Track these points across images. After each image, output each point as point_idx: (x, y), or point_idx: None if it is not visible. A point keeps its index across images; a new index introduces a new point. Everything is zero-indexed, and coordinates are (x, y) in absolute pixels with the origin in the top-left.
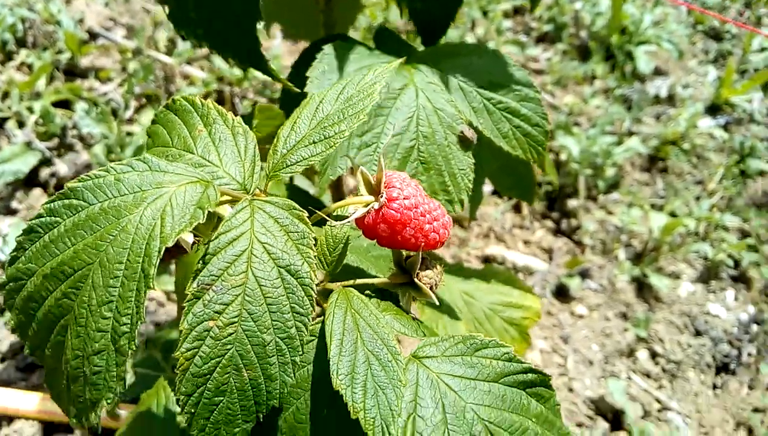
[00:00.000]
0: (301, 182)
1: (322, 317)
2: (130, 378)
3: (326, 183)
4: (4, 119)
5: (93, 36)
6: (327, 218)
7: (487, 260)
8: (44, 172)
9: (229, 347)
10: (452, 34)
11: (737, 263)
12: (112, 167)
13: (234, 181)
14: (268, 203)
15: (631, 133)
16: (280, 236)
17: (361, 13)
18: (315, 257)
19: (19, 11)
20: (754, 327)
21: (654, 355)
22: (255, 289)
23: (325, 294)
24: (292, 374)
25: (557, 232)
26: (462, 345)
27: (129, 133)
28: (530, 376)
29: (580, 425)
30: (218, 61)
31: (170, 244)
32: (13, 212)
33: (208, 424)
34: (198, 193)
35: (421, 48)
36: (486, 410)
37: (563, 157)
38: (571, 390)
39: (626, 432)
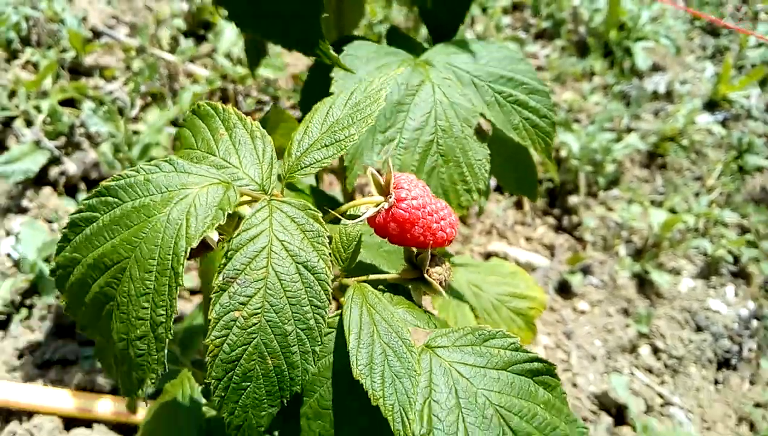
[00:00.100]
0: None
1: (340, 311)
2: None
3: (354, 178)
4: (12, 118)
5: (96, 34)
6: (341, 217)
7: (489, 256)
8: (53, 171)
9: (254, 335)
10: None
11: (737, 259)
12: (141, 168)
13: (253, 182)
14: (285, 203)
15: (630, 130)
16: (296, 234)
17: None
18: (330, 254)
19: (23, 9)
20: (754, 323)
21: (656, 350)
22: (275, 283)
23: (342, 289)
24: (313, 363)
25: (558, 228)
26: (471, 336)
27: (135, 132)
28: (536, 365)
29: (584, 419)
30: (221, 59)
31: (195, 244)
32: (24, 211)
33: (237, 407)
34: (219, 194)
35: (425, 44)
36: (496, 396)
37: (563, 153)
38: (575, 385)
39: (630, 427)
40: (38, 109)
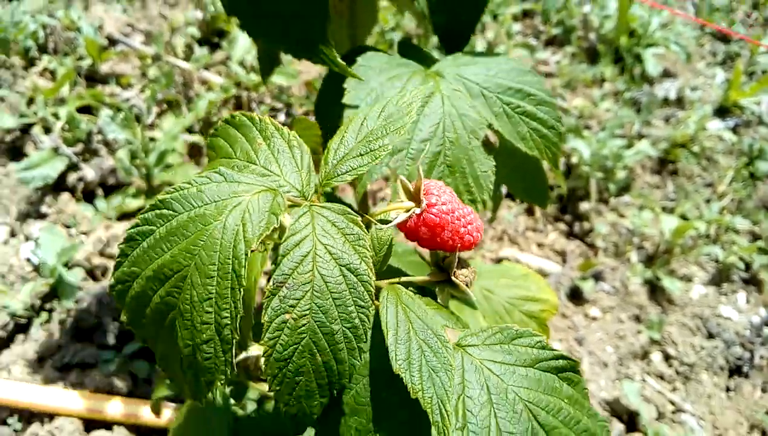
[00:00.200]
0: None
1: (375, 311)
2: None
3: (363, 188)
4: (30, 125)
5: (112, 42)
6: (373, 222)
7: (500, 262)
8: (72, 177)
9: (303, 335)
10: None
11: (748, 266)
12: (194, 180)
13: (294, 189)
14: (324, 208)
15: (641, 136)
16: (338, 238)
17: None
18: (371, 256)
19: (41, 18)
20: (766, 330)
21: (667, 357)
22: (321, 285)
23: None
24: (359, 358)
25: (570, 234)
26: (500, 335)
27: (152, 139)
28: (561, 362)
29: None
30: (235, 67)
31: (254, 247)
32: (43, 216)
33: (291, 398)
34: (269, 201)
35: (435, 53)
36: (525, 392)
37: (574, 160)
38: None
39: (641, 434)
40: (56, 116)
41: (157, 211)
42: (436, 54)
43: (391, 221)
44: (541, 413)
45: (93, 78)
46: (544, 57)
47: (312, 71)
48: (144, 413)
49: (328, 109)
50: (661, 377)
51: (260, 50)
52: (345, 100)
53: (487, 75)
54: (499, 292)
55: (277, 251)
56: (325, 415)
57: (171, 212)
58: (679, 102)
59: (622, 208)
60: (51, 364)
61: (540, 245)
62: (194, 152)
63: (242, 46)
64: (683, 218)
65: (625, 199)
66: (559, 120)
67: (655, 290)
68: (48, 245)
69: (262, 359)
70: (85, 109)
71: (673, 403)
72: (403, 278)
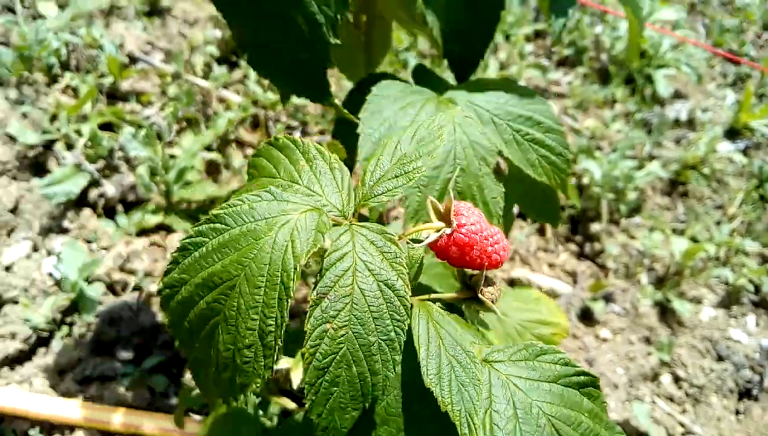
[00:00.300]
0: None
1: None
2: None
3: (376, 214)
4: (53, 141)
5: (132, 60)
6: (406, 241)
7: (512, 282)
8: (93, 193)
9: (341, 345)
10: None
11: (758, 289)
12: (246, 197)
13: (335, 209)
14: (363, 227)
15: (651, 158)
16: (376, 255)
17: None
18: (407, 273)
19: (63, 36)
20: None
21: (677, 379)
22: (360, 299)
23: None
24: (393, 370)
25: (581, 255)
26: (525, 351)
27: (171, 156)
28: (582, 378)
29: None
30: (252, 86)
31: (303, 262)
32: (65, 231)
33: (324, 410)
34: (315, 220)
35: (445, 71)
36: (548, 406)
37: (585, 180)
38: None
39: None
40: (78, 133)
41: (211, 225)
42: (448, 74)
43: (422, 240)
44: (563, 426)
45: (114, 95)
46: (555, 77)
47: None
48: (163, 425)
49: (347, 134)
50: (671, 399)
51: None
52: (359, 130)
53: (497, 102)
54: (511, 314)
55: (321, 264)
56: (356, 425)
57: (224, 226)
58: (690, 123)
59: (632, 229)
60: (71, 377)
61: (551, 266)
62: (212, 169)
63: None
64: (693, 240)
65: (636, 221)
66: (567, 147)
67: (665, 311)
68: (70, 260)
69: (293, 372)
70: (105, 126)
71: (682, 425)
72: (433, 295)
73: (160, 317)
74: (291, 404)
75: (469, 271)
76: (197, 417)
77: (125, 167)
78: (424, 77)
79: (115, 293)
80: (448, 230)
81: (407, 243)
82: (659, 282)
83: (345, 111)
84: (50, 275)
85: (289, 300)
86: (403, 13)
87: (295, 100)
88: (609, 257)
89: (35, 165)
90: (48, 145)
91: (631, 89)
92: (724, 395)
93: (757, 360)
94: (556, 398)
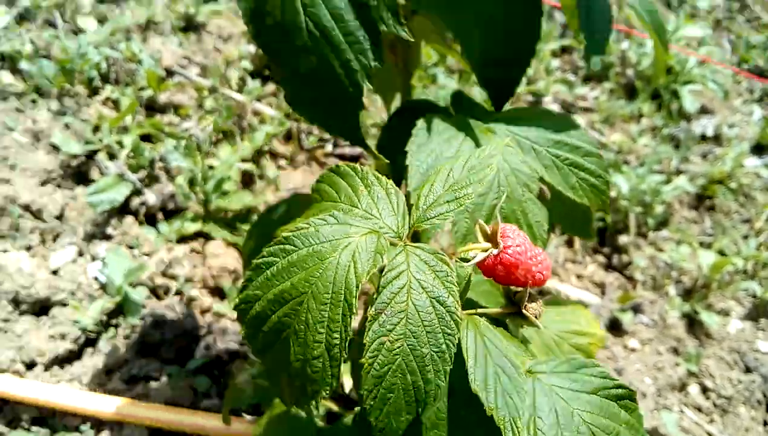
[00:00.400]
0: None
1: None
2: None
3: (429, 236)
4: (95, 151)
5: (169, 73)
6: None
7: (541, 293)
8: (135, 202)
9: (397, 357)
10: None
11: None
12: (312, 221)
13: (391, 231)
14: (417, 248)
15: (679, 172)
16: (429, 274)
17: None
18: (458, 291)
19: (104, 50)
20: None
21: (705, 390)
22: (414, 314)
23: None
24: (444, 380)
25: (609, 267)
26: (566, 364)
27: (210, 167)
28: (620, 390)
29: None
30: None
31: (364, 280)
32: (108, 238)
33: (381, 414)
34: (374, 242)
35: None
36: (588, 415)
37: (613, 194)
38: None
39: None
40: (120, 143)
41: (281, 246)
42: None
43: (470, 260)
44: (602, 434)
45: (152, 107)
46: (582, 93)
47: None
48: (206, 423)
49: (395, 159)
50: (699, 409)
51: None
52: (407, 162)
53: (536, 130)
54: (549, 325)
55: (378, 282)
56: (408, 427)
57: (292, 248)
58: (717, 139)
59: (660, 242)
60: (118, 376)
61: (579, 277)
62: (246, 179)
63: None
64: (721, 253)
65: (663, 234)
66: (606, 169)
67: (692, 323)
68: (114, 265)
69: (344, 378)
70: (145, 137)
71: (710, 435)
72: (480, 310)
73: (201, 321)
74: (335, 406)
75: (513, 288)
76: (249, 417)
77: (165, 177)
78: (462, 104)
79: (158, 297)
80: (495, 251)
81: (456, 262)
82: (687, 294)
83: (380, 155)
84: (96, 279)
85: (353, 316)
86: (437, 37)
87: None
88: (637, 268)
89: (78, 174)
90: (90, 155)
91: (658, 104)
92: (752, 406)
93: None
94: (595, 408)
